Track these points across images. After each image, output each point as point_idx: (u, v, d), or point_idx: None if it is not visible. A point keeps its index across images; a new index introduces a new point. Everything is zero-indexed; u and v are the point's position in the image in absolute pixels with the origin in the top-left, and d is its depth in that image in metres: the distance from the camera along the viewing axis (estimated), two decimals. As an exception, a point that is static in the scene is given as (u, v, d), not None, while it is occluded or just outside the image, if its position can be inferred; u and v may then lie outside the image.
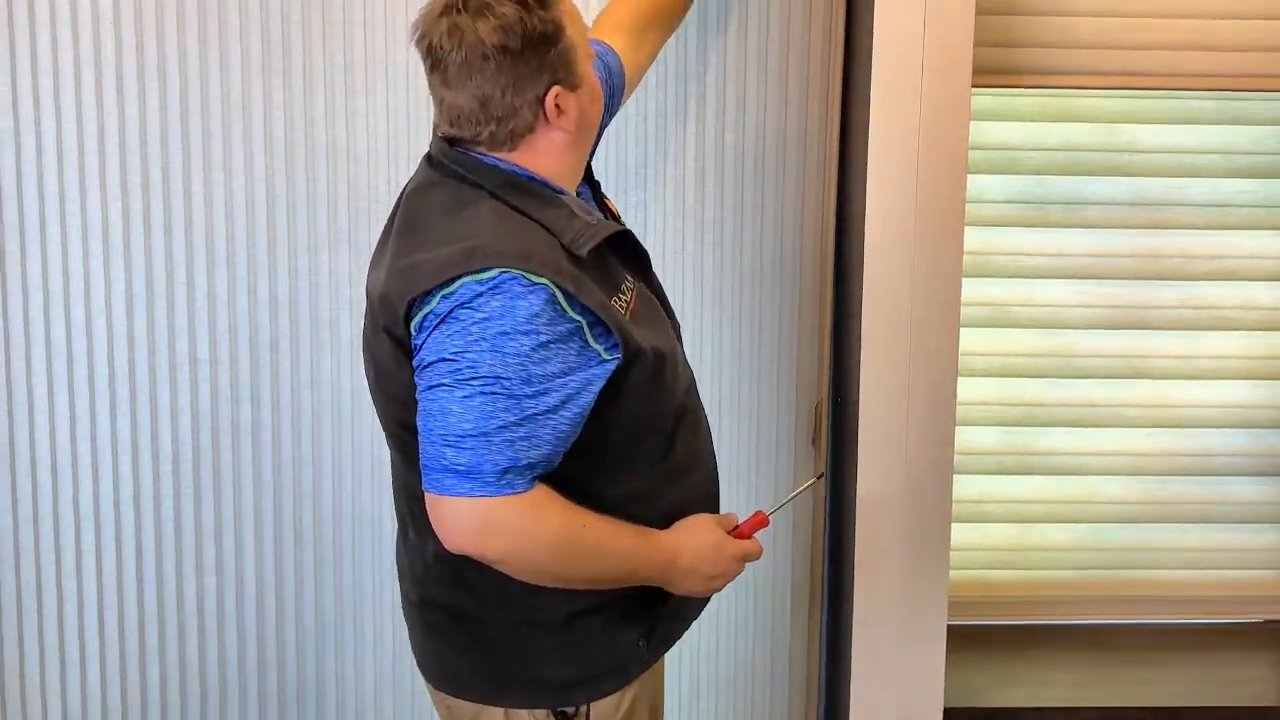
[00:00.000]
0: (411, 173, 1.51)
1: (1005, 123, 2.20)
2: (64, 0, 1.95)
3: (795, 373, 2.12)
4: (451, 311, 1.29)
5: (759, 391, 2.12)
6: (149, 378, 2.06)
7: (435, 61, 1.34)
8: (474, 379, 1.28)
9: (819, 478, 1.78)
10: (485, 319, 1.28)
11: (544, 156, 1.39)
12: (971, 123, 1.97)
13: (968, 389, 2.22)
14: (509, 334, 1.28)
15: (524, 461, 1.30)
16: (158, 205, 2.01)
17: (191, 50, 1.98)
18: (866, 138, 1.88)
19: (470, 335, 1.28)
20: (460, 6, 1.31)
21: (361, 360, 1.52)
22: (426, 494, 1.33)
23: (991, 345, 2.28)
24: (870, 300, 1.89)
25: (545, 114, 1.36)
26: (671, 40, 1.96)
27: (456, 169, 1.39)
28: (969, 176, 2.00)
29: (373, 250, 1.50)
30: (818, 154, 2.07)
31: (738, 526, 1.53)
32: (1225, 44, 2.10)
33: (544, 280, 1.29)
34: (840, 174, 2.07)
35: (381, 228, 1.50)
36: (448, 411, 1.29)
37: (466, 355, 1.28)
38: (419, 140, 2.00)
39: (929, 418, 1.91)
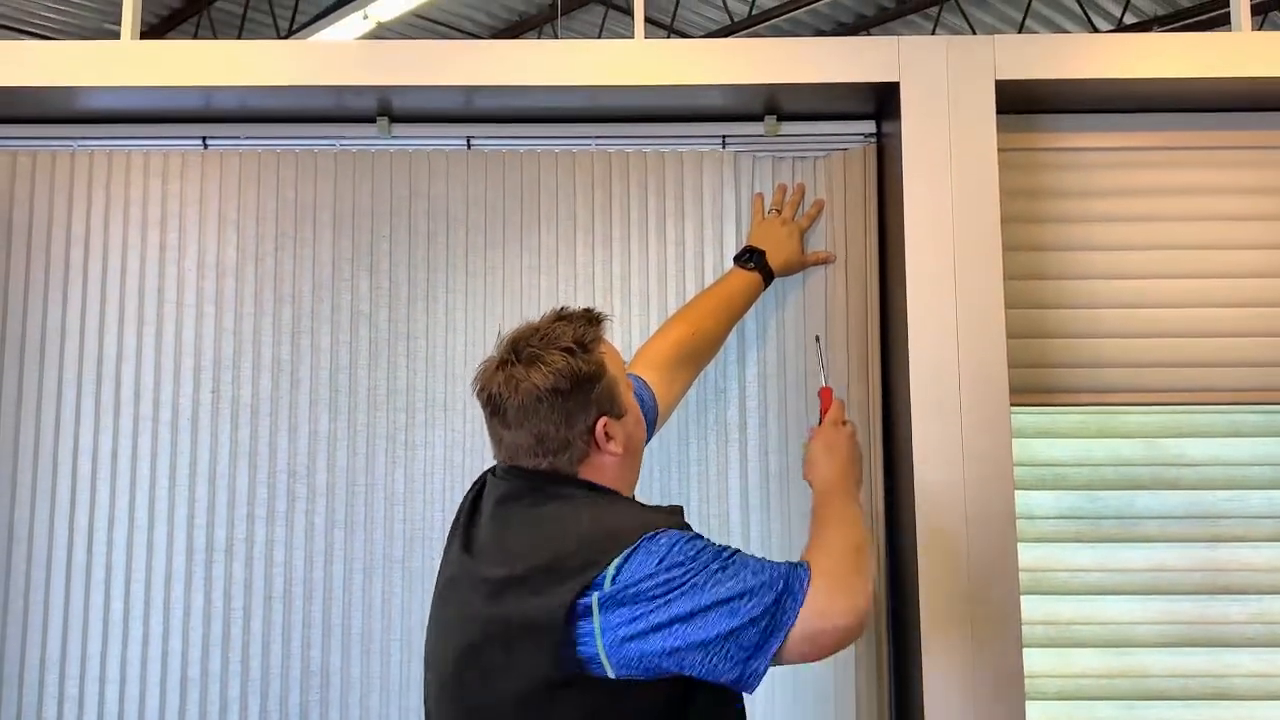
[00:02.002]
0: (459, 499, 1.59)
1: (1050, 439, 2.22)
2: (149, 342, 2.13)
3: (853, 703, 2.04)
4: (638, 581, 1.36)
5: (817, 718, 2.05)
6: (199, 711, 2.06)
7: (495, 408, 1.48)
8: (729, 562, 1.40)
9: None
10: (673, 544, 1.39)
11: (596, 479, 1.50)
12: (1016, 440, 2.01)
13: (1039, 713, 2.12)
14: (705, 545, 1.41)
15: None
16: (221, 532, 2.09)
17: (264, 390, 2.12)
18: (911, 455, 1.91)
19: (680, 556, 1.38)
20: (514, 359, 1.47)
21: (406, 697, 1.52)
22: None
23: (1059, 666, 2.20)
24: (929, 620, 1.86)
25: (596, 441, 1.48)
26: (710, 365, 2.05)
27: (533, 478, 1.49)
28: (1019, 493, 2.01)
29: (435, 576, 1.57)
30: (863, 474, 2.09)
31: None
32: (1260, 359, 2.15)
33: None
34: (887, 488, 2.09)
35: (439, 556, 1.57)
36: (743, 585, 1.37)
37: (696, 562, 1.38)
38: (469, 473, 2.08)
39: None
